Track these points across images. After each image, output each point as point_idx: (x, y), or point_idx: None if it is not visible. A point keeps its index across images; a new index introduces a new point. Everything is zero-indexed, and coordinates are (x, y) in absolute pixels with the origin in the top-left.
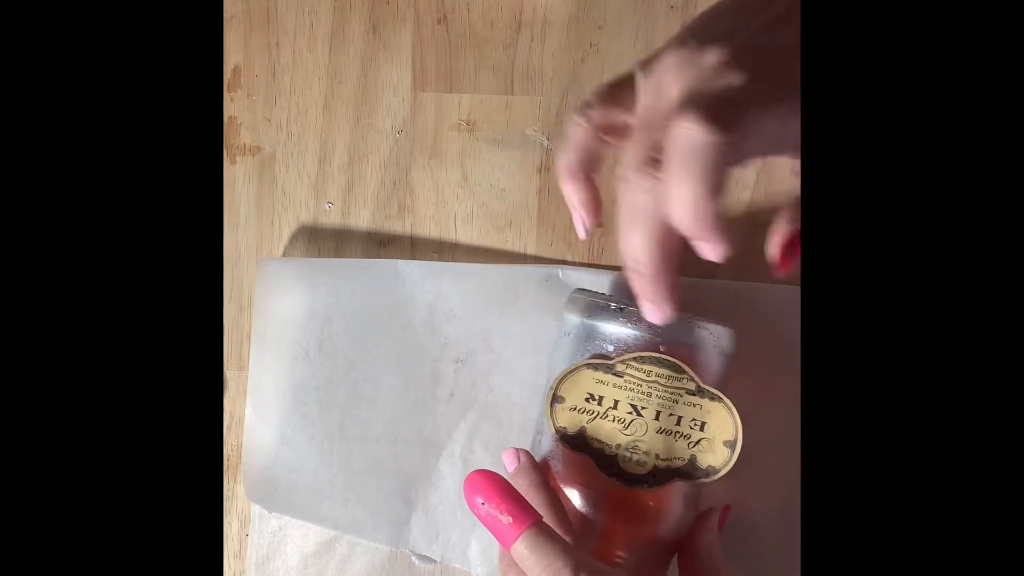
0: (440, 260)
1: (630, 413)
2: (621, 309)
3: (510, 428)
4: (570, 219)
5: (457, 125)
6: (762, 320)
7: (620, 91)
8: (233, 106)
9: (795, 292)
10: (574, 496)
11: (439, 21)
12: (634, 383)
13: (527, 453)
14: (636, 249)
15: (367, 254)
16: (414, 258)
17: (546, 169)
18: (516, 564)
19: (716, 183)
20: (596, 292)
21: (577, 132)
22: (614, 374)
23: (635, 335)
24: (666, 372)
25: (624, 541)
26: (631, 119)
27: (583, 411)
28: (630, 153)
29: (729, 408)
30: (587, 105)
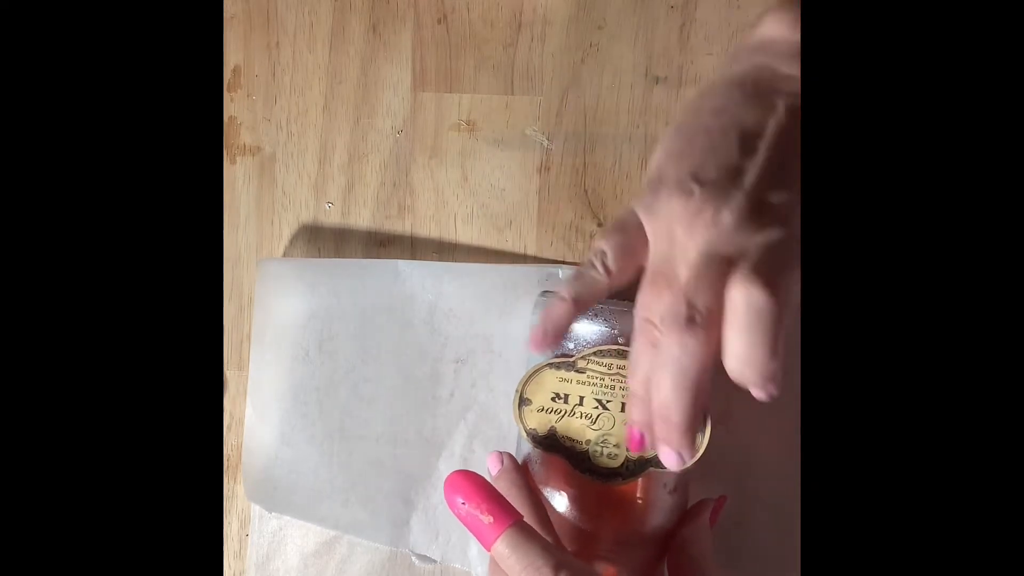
0: (440, 260)
1: (596, 408)
2: None
3: (510, 428)
4: (570, 219)
5: (457, 125)
6: None
7: (630, 239)
8: (233, 106)
9: None
10: (558, 498)
11: (439, 21)
12: (596, 377)
13: (510, 456)
14: (668, 400)
15: (367, 254)
16: (414, 258)
17: (546, 169)
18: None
19: (777, 343)
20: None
21: (593, 279)
22: (576, 371)
23: (594, 330)
24: (627, 363)
25: (611, 539)
26: (643, 262)
27: (551, 411)
28: (659, 307)
29: None
30: (603, 254)
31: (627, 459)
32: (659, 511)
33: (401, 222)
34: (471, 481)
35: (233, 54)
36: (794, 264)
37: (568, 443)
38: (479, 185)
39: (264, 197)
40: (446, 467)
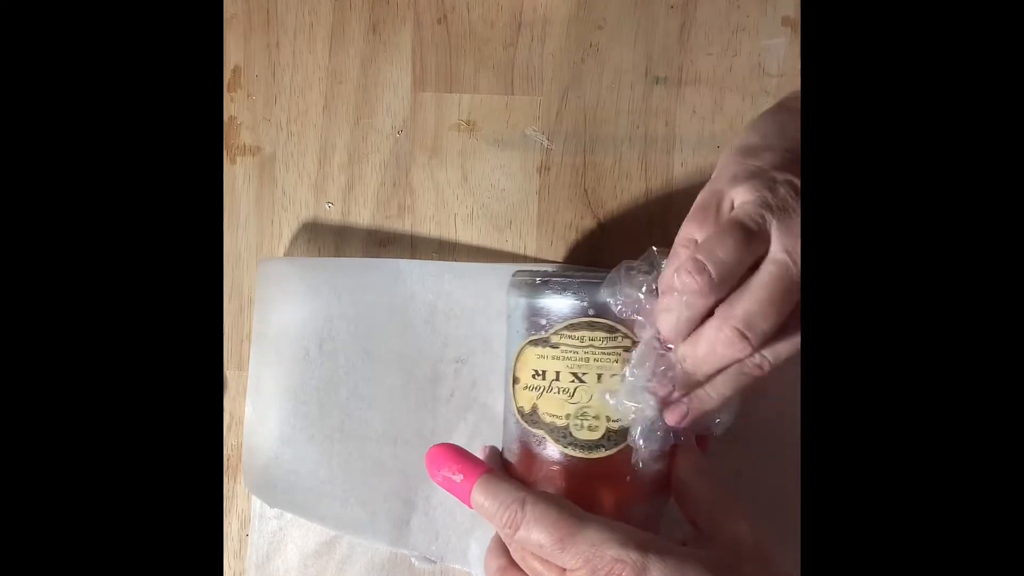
0: (440, 260)
1: (572, 382)
2: (546, 281)
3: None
4: (570, 219)
5: (457, 125)
6: None
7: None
8: (233, 106)
9: None
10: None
11: (439, 21)
12: (570, 351)
13: (492, 448)
14: (758, 309)
15: (367, 254)
16: (414, 258)
17: (546, 169)
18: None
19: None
20: (534, 271)
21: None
22: (551, 346)
23: (565, 303)
24: (600, 334)
25: (611, 510)
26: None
27: (532, 388)
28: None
29: None
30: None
31: (608, 430)
32: (649, 473)
33: (401, 222)
34: (443, 449)
35: (233, 54)
36: None
37: (548, 419)
38: (479, 185)
39: (264, 197)
40: None
